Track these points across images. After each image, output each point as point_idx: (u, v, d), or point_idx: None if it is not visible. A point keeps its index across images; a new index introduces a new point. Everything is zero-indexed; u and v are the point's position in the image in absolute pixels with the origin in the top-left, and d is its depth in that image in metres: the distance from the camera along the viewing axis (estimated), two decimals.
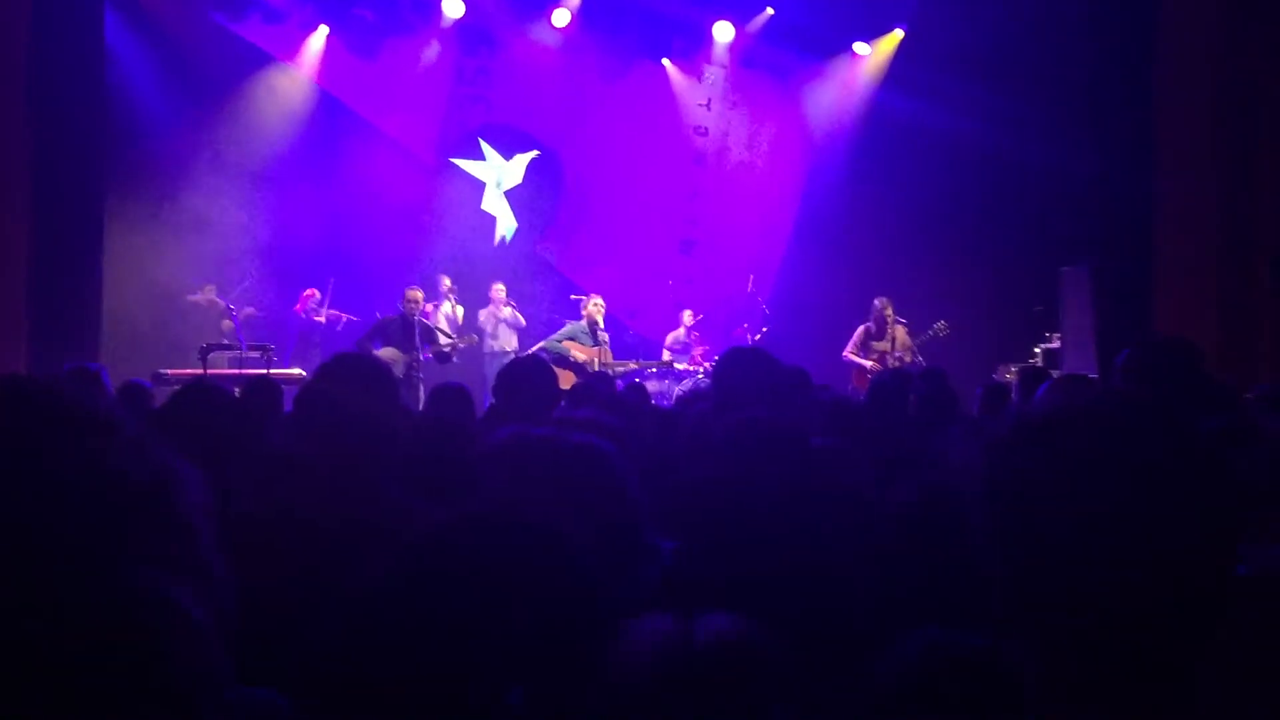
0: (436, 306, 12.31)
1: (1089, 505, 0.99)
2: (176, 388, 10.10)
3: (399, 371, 10.14)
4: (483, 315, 12.60)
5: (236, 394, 4.72)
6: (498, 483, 1.87)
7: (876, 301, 10.87)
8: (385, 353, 10.26)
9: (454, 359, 11.11)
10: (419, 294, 10.85)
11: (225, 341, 10.92)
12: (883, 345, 10.73)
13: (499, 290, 12.73)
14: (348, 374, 3.19)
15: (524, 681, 1.35)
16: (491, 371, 11.78)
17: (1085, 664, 1.00)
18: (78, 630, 0.56)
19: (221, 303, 12.11)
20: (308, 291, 12.60)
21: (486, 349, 12.48)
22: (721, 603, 1.79)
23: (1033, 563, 1.01)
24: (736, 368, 3.50)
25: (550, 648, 1.35)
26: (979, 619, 1.70)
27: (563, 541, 1.42)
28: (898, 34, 13.61)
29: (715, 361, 3.84)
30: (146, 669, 0.58)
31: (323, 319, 12.50)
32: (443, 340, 11.00)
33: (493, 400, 4.93)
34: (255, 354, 10.38)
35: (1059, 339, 11.05)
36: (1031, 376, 6.50)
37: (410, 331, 10.51)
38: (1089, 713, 1.00)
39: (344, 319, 12.56)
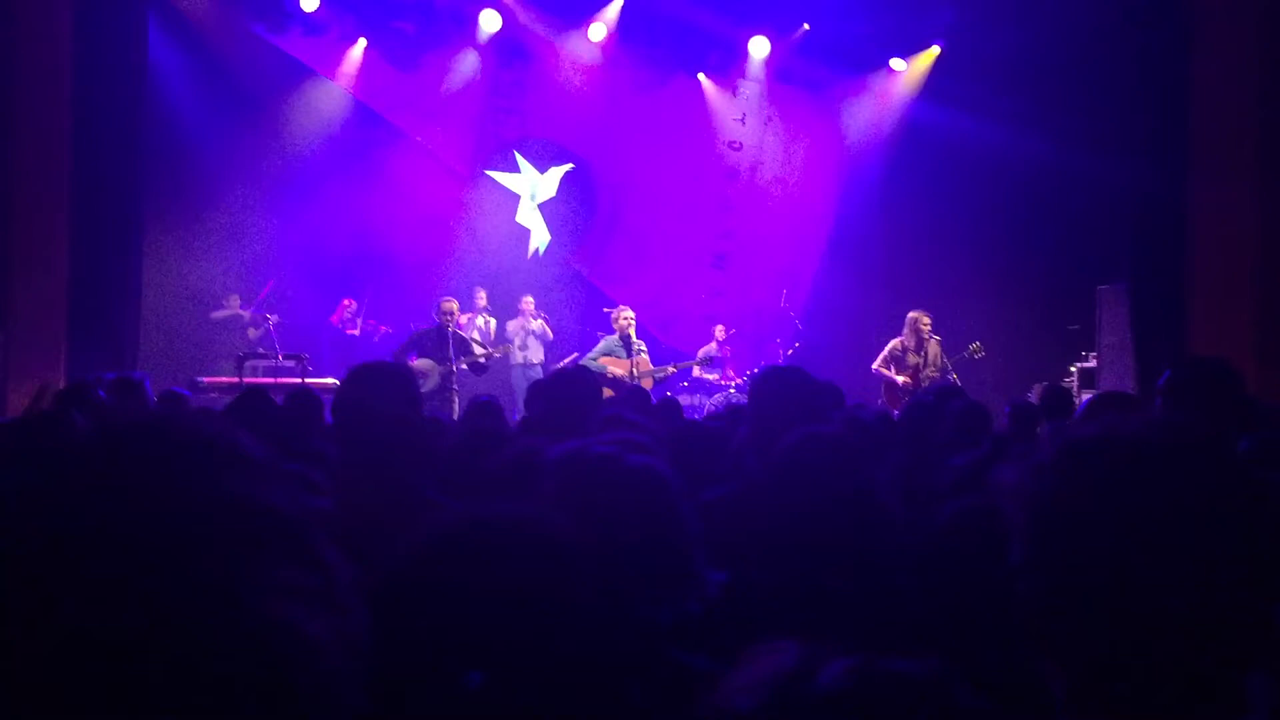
0: (471, 319, 12.38)
1: (1132, 531, 0.99)
2: (213, 395, 10.21)
3: (434, 383, 10.19)
4: (512, 326, 12.65)
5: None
6: (550, 496, 1.86)
7: (912, 314, 10.60)
8: (421, 364, 10.32)
9: (488, 369, 11.16)
10: (454, 305, 10.88)
11: (260, 350, 11.02)
12: (917, 359, 10.51)
13: (528, 302, 12.79)
14: (376, 380, 3.22)
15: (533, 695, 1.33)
16: (519, 383, 11.85)
17: (1122, 689, 0.99)
18: (211, 659, 0.57)
19: (247, 313, 12.23)
20: (345, 301, 12.71)
21: (514, 360, 12.52)
22: (777, 629, 1.79)
23: (1073, 586, 1.01)
24: (773, 386, 3.49)
25: (553, 661, 1.33)
26: (1010, 643, 1.69)
27: (565, 549, 1.40)
28: (935, 50, 13.57)
29: (750, 381, 3.82)
30: (275, 696, 0.60)
31: (358, 330, 12.60)
32: (477, 351, 11.04)
33: (524, 412, 4.96)
34: (290, 363, 10.47)
35: (1095, 357, 10.96)
36: (1054, 396, 6.46)
37: (445, 343, 10.55)
38: None
39: (381, 330, 12.65)
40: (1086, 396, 9.36)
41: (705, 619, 1.97)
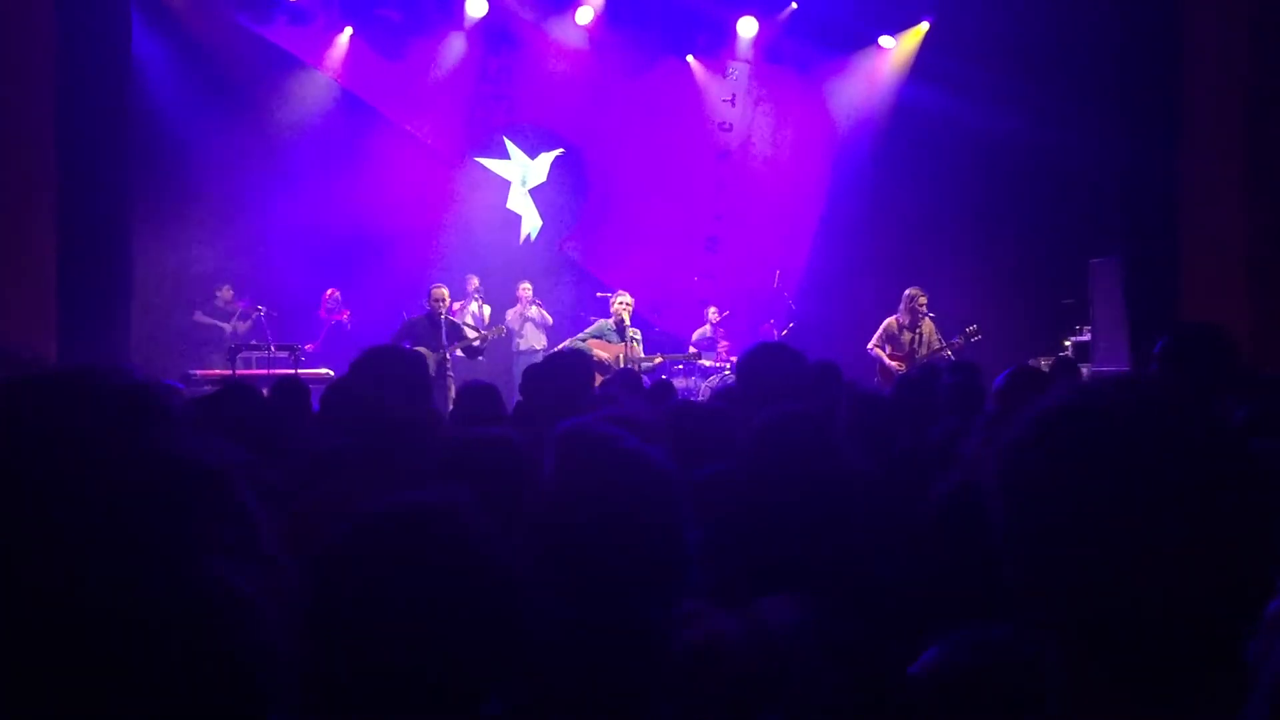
0: (464, 306, 12.36)
1: (1108, 499, 0.97)
2: (206, 388, 10.20)
3: (430, 371, 10.16)
4: (510, 315, 12.63)
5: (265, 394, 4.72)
6: (549, 472, 1.85)
7: (908, 291, 10.63)
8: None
9: (483, 353, 11.14)
10: (444, 291, 10.86)
11: (252, 342, 10.99)
12: (911, 336, 10.54)
13: (525, 289, 12.77)
14: (380, 369, 3.20)
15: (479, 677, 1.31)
16: (520, 370, 11.79)
17: (1109, 662, 0.98)
18: (145, 616, 0.56)
19: (239, 305, 12.19)
20: (329, 291, 12.68)
21: (514, 348, 12.53)
22: (742, 597, 1.78)
23: (1051, 560, 0.99)
24: (761, 362, 3.47)
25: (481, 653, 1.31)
26: (1002, 618, 1.68)
27: (472, 530, 1.39)
28: (923, 26, 13.53)
29: (739, 357, 3.79)
30: (213, 655, 0.59)
31: (345, 317, 12.58)
32: (470, 335, 11.01)
33: (519, 398, 4.94)
34: (284, 354, 10.44)
35: (1089, 331, 10.95)
36: (1064, 369, 6.44)
37: (438, 330, 10.53)
38: (1116, 710, 0.98)
39: (346, 315, 12.61)
40: (1084, 370, 9.37)
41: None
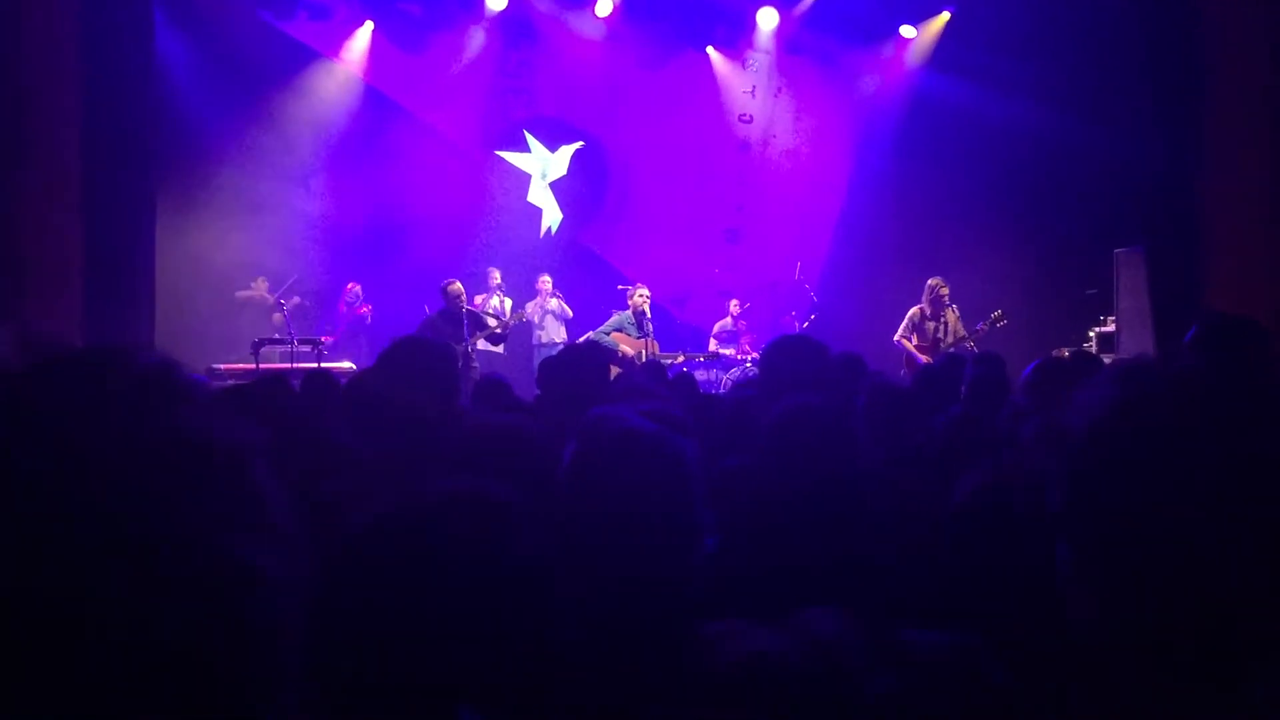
0: (486, 299, 12.38)
1: (1188, 487, 0.94)
2: (230, 382, 10.27)
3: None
4: (529, 307, 12.65)
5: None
6: (569, 461, 1.84)
7: (931, 281, 10.60)
8: None
9: (506, 339, 11.17)
10: (459, 286, 10.88)
11: (276, 335, 11.04)
12: (935, 325, 10.51)
13: (545, 282, 12.79)
14: (406, 361, 3.19)
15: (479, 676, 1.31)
16: (539, 363, 11.77)
17: (1170, 653, 0.96)
18: (162, 593, 0.56)
19: (272, 297, 12.24)
20: (349, 285, 12.72)
21: (535, 340, 12.55)
22: (760, 596, 1.77)
23: (1124, 550, 0.97)
24: (784, 354, 3.46)
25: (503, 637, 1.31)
26: (1037, 615, 1.66)
27: (509, 517, 1.38)
28: (944, 16, 13.44)
29: (763, 348, 3.77)
30: (222, 628, 0.59)
31: (367, 311, 12.63)
32: (491, 323, 11.03)
33: (538, 390, 4.93)
34: (306, 347, 10.49)
35: (1113, 322, 10.88)
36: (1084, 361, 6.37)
37: (458, 323, 10.55)
38: (1173, 703, 0.96)
39: (368, 309, 12.65)
40: (1107, 360, 9.30)
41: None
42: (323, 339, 10.99)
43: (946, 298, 10.52)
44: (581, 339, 11.07)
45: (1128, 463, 0.97)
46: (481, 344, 10.78)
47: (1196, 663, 0.95)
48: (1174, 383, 1.00)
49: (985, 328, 10.40)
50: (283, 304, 11.50)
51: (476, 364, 10.52)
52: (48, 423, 0.58)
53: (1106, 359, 9.42)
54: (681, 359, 11.40)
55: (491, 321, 11.09)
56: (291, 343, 10.52)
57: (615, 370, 9.05)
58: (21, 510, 0.55)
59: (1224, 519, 0.93)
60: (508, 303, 12.58)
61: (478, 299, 11.96)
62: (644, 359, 10.49)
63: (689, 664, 1.56)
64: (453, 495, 1.39)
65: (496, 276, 12.67)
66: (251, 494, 0.63)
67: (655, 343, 11.01)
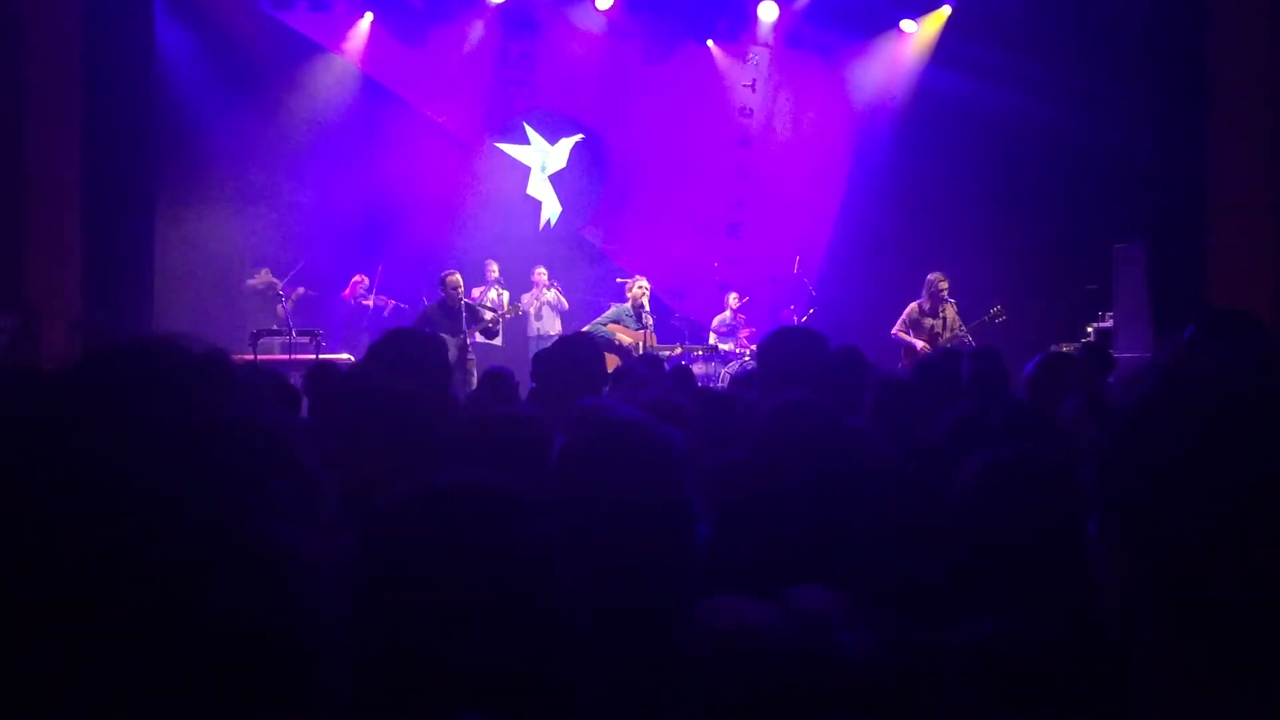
0: (484, 292, 12.36)
1: (1235, 473, 0.91)
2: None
3: (451, 356, 10.17)
4: (525, 299, 12.63)
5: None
6: (562, 450, 1.85)
7: (931, 276, 10.60)
8: None
9: (499, 334, 11.15)
10: (458, 277, 10.87)
11: (275, 326, 11.04)
12: (934, 322, 10.51)
13: (541, 274, 12.79)
14: (397, 354, 3.19)
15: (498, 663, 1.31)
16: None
17: (1209, 644, 0.95)
18: (206, 577, 0.57)
19: (279, 282, 12.23)
20: (356, 277, 12.71)
21: (530, 332, 12.54)
22: (752, 587, 1.78)
23: (1167, 533, 0.95)
24: (783, 346, 3.45)
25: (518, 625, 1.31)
26: (1058, 601, 1.66)
27: (519, 506, 1.38)
28: (945, 10, 13.43)
29: (760, 340, 3.75)
30: (274, 616, 0.59)
31: (370, 303, 12.61)
32: (486, 315, 11.02)
33: (533, 384, 4.93)
34: (304, 339, 10.49)
35: (1112, 317, 10.87)
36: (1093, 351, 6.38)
37: (455, 315, 10.54)
38: (1208, 693, 0.95)
39: (390, 304, 12.66)
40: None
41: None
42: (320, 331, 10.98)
43: (946, 293, 10.52)
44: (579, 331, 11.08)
45: (1176, 442, 0.96)
46: (477, 337, 10.76)
47: (1231, 648, 0.94)
48: (1229, 367, 0.98)
49: (986, 322, 10.41)
50: (287, 296, 11.49)
51: (473, 356, 10.51)
52: (105, 409, 0.59)
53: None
54: (679, 351, 11.40)
55: (488, 314, 11.09)
56: (290, 334, 10.52)
57: (614, 361, 9.06)
58: (80, 495, 0.56)
59: (1270, 506, 0.91)
60: (505, 295, 12.57)
61: (475, 292, 11.95)
62: (641, 350, 10.49)
63: (681, 638, 1.57)
64: (462, 484, 1.39)
65: (494, 269, 12.66)
66: (299, 479, 0.64)
67: (653, 334, 11.00)
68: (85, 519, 0.55)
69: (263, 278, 12.41)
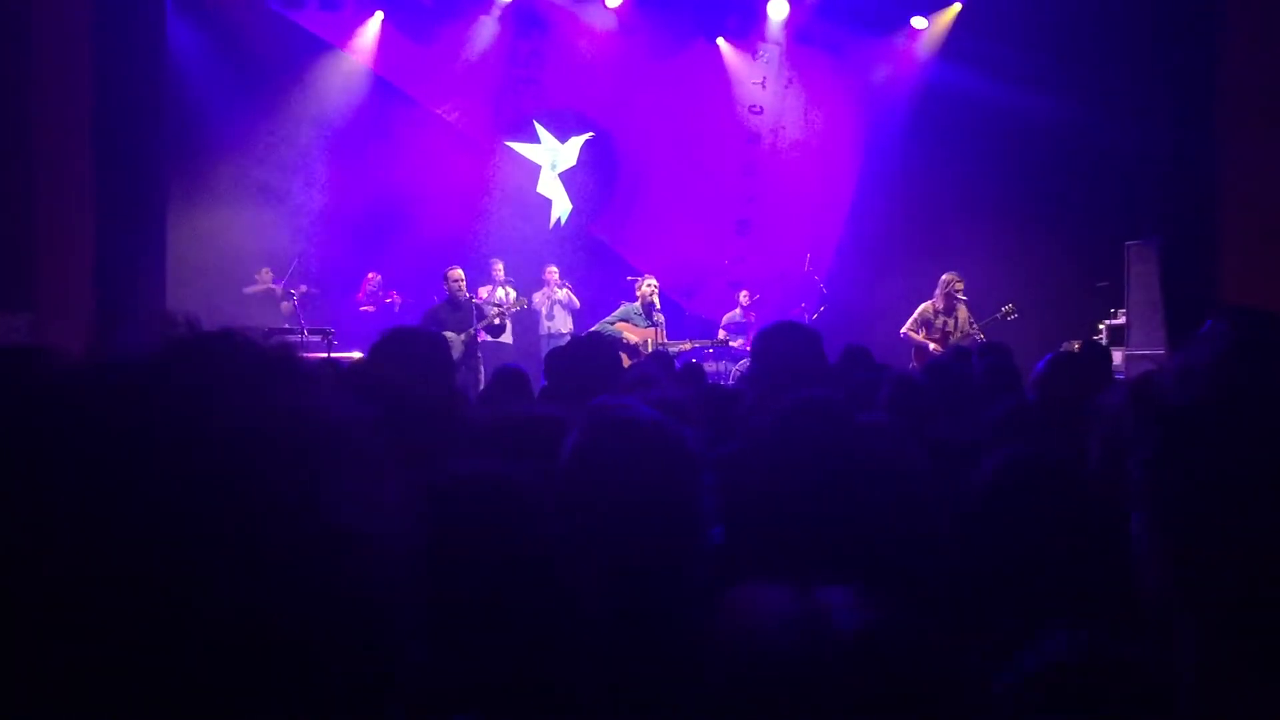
0: (491, 291, 12.35)
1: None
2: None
3: (458, 352, 10.17)
4: (537, 297, 12.63)
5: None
6: (571, 448, 1.84)
7: (945, 276, 10.55)
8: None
9: (504, 330, 11.14)
10: (460, 272, 10.85)
11: (285, 325, 11.04)
12: (947, 321, 10.46)
13: (552, 272, 12.78)
14: (400, 351, 3.19)
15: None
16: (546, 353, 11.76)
17: (1254, 648, 0.93)
18: (280, 564, 0.58)
19: (279, 286, 12.25)
20: (369, 275, 12.72)
21: (542, 331, 12.54)
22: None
23: (1214, 527, 0.93)
24: (776, 343, 3.42)
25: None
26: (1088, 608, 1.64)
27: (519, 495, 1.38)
28: (956, 7, 13.39)
29: (754, 337, 3.72)
30: (353, 602, 0.61)
31: (388, 301, 12.64)
32: (491, 311, 11.00)
33: (545, 382, 4.92)
34: (316, 338, 10.50)
35: (1124, 315, 10.83)
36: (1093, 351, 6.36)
37: (460, 312, 10.53)
38: (1255, 700, 0.93)
39: (395, 299, 12.66)
40: (1118, 354, 9.28)
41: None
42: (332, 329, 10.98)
43: (960, 293, 10.46)
44: (587, 331, 11.06)
45: (1231, 443, 0.94)
46: (483, 335, 10.74)
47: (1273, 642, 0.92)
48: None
49: (998, 319, 10.37)
50: (292, 293, 11.50)
51: (480, 353, 10.50)
52: (186, 401, 0.60)
53: (1116, 353, 9.39)
54: (690, 346, 11.40)
55: (491, 310, 11.05)
56: (302, 333, 10.53)
57: (627, 360, 9.05)
58: (166, 485, 0.57)
59: None
60: (512, 294, 12.53)
61: (483, 292, 11.93)
62: (650, 348, 10.47)
63: (690, 639, 1.56)
64: (479, 476, 1.39)
65: (500, 268, 12.62)
66: (370, 470, 0.65)
67: (663, 331, 10.98)
68: (172, 509, 0.56)
69: (263, 278, 12.40)
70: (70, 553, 0.54)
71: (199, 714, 0.55)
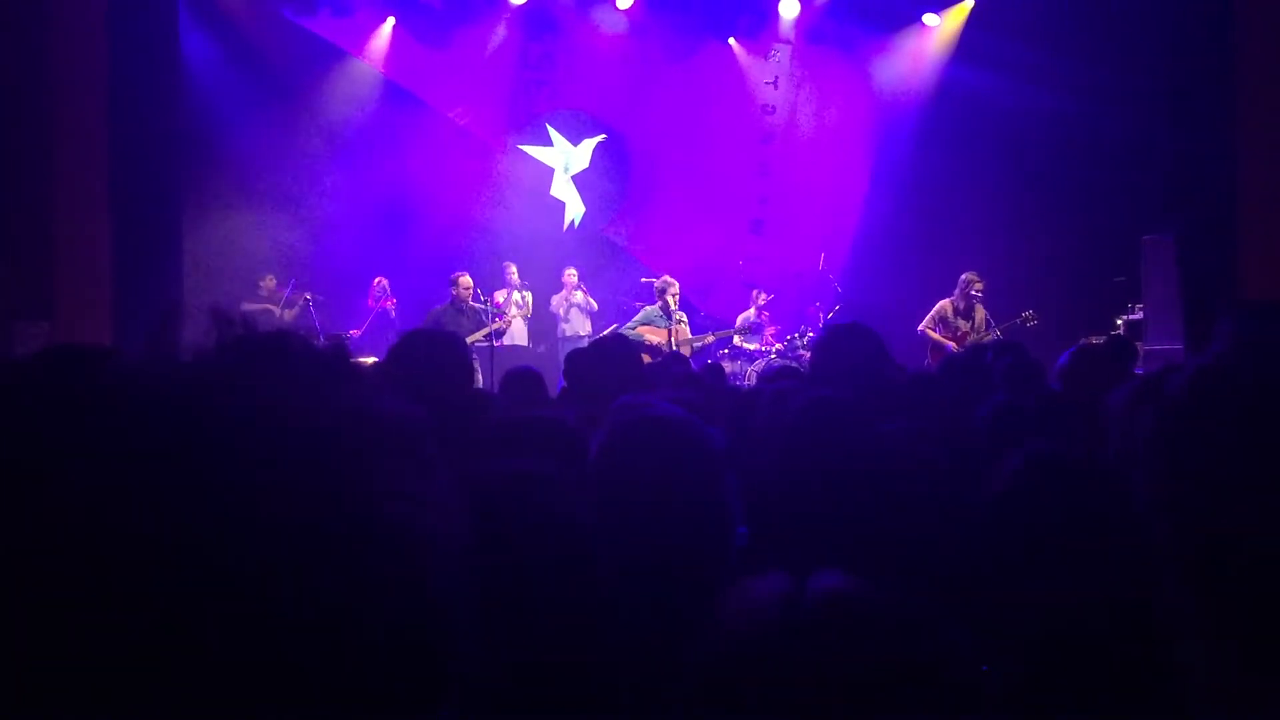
0: (507, 295, 12.35)
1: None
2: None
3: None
4: (555, 300, 12.64)
5: None
6: (598, 449, 1.85)
7: (965, 276, 10.50)
8: None
9: (502, 337, 11.14)
10: (468, 279, 10.86)
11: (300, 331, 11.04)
12: (965, 324, 10.43)
13: (571, 275, 12.77)
14: (417, 354, 3.20)
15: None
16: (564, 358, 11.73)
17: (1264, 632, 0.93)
18: (338, 560, 0.59)
19: (283, 294, 12.27)
20: (377, 280, 12.74)
21: (560, 334, 12.55)
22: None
23: (1223, 526, 0.94)
24: (836, 346, 3.42)
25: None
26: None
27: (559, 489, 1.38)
28: (968, 4, 13.36)
29: (815, 339, 3.73)
30: (409, 597, 0.62)
31: (390, 304, 12.64)
32: (493, 325, 10.99)
33: (564, 383, 4.93)
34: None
35: (1142, 310, 10.78)
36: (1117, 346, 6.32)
37: (462, 317, 10.55)
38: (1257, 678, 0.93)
39: (393, 303, 12.67)
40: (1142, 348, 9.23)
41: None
42: (350, 333, 11.01)
43: (980, 294, 10.44)
44: (607, 330, 11.06)
45: (1236, 436, 0.94)
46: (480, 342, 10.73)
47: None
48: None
49: (1019, 324, 10.31)
50: (294, 301, 11.51)
51: (476, 358, 10.50)
52: (247, 400, 0.61)
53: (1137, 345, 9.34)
54: (713, 339, 11.42)
55: (494, 324, 11.05)
56: (317, 337, 10.53)
57: (648, 358, 9.04)
58: (223, 484, 0.57)
59: None
60: (528, 296, 12.53)
61: (499, 297, 11.93)
62: (672, 345, 10.45)
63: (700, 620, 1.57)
64: (520, 474, 1.39)
65: (514, 271, 12.61)
66: (423, 467, 0.66)
67: (685, 329, 10.98)
68: (235, 505, 0.57)
69: (267, 285, 12.38)
70: (165, 549, 0.55)
71: (267, 705, 0.56)
